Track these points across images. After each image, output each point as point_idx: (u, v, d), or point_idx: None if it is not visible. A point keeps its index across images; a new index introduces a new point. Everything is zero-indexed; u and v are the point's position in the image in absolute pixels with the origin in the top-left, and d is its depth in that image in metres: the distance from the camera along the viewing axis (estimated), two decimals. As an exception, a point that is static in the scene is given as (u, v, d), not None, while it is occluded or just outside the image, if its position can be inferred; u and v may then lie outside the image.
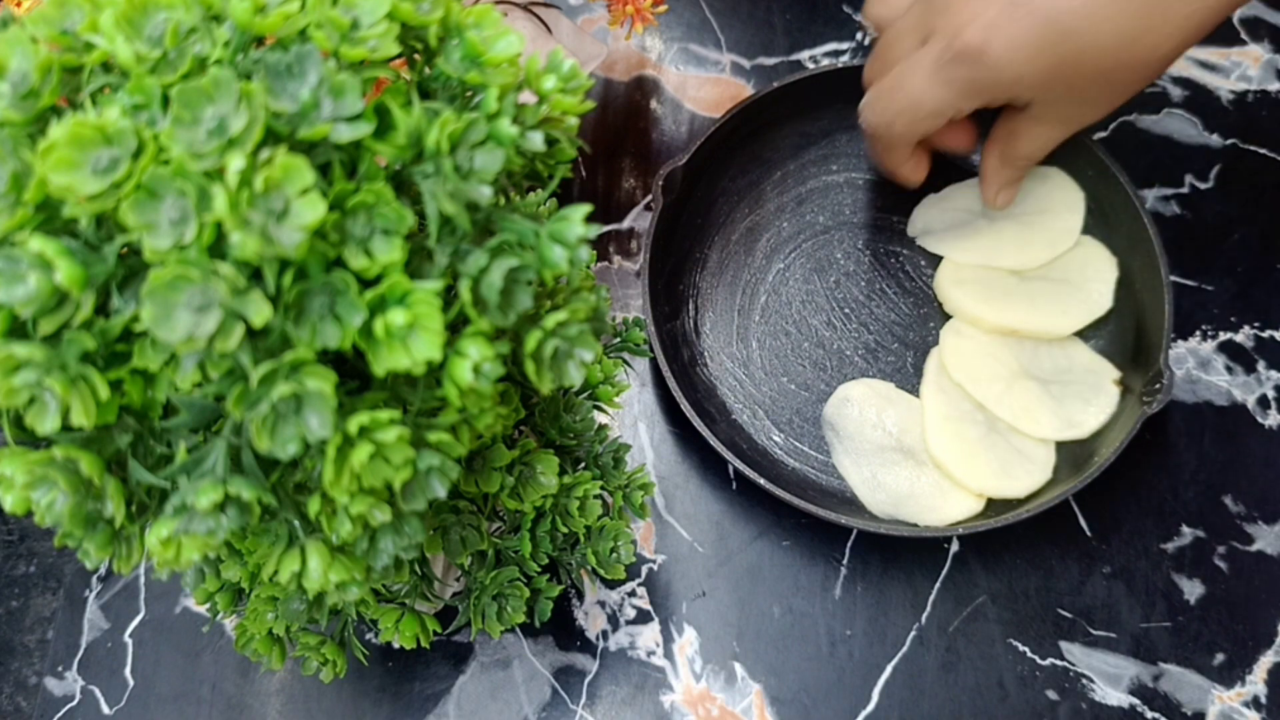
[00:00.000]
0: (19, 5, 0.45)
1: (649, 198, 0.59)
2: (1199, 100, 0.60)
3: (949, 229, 0.55)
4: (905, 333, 0.55)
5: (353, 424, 0.23)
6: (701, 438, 0.48)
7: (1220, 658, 0.48)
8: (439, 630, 0.39)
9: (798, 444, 0.52)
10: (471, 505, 0.36)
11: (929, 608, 0.50)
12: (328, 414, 0.23)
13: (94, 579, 0.52)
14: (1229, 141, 0.59)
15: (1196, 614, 0.49)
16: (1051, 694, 0.48)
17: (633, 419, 0.54)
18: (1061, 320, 0.52)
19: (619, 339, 0.44)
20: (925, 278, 0.56)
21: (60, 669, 0.50)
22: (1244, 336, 0.54)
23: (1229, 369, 0.54)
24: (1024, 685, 0.48)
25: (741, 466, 0.48)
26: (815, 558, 0.51)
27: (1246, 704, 0.47)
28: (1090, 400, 0.50)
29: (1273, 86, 0.60)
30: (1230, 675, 0.48)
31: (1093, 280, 0.53)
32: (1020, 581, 0.50)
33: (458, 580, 0.43)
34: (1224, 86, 0.60)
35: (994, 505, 0.49)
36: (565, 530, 0.38)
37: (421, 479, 0.26)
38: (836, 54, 0.63)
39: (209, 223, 0.21)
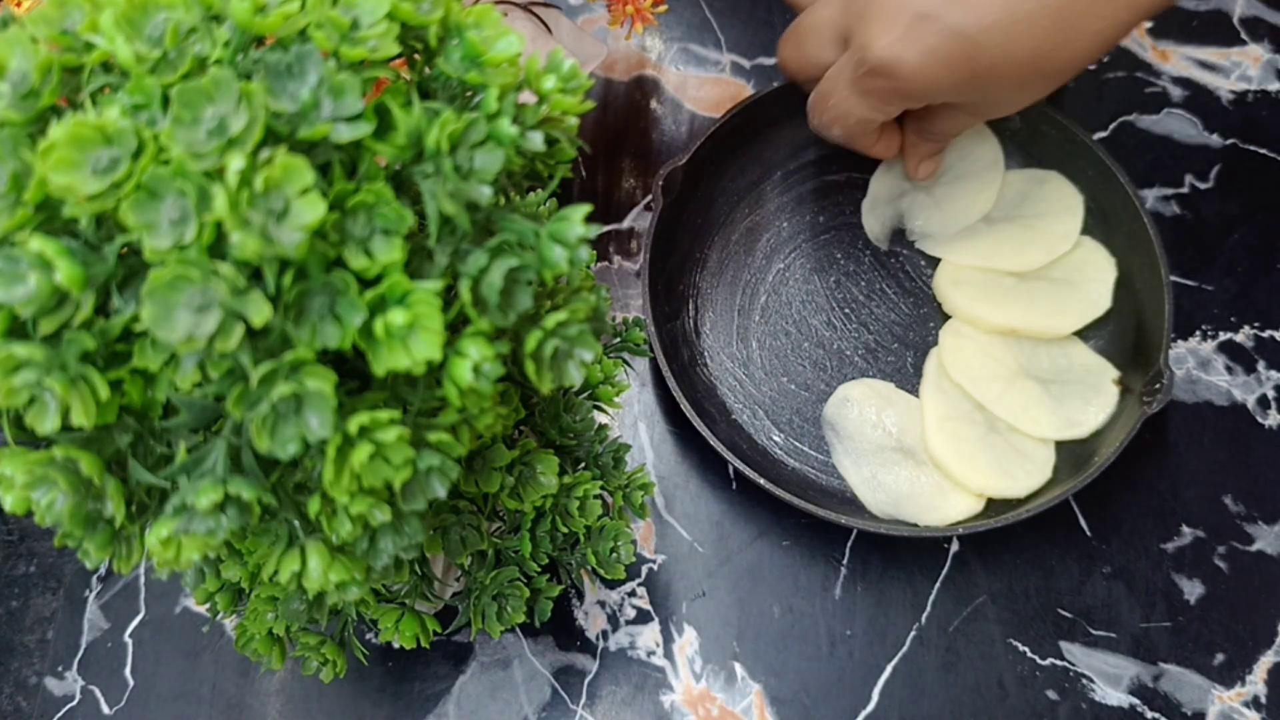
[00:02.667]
0: (19, 5, 0.45)
1: (649, 198, 0.59)
2: (1199, 100, 0.60)
3: (947, 232, 0.55)
4: (905, 333, 0.55)
5: (353, 424, 0.23)
6: (701, 438, 0.48)
7: (1220, 658, 0.48)
8: (439, 630, 0.39)
9: (798, 444, 0.52)
10: (471, 505, 0.36)
11: (929, 608, 0.50)
12: (328, 414, 0.23)
13: (94, 579, 0.52)
14: (1229, 141, 0.59)
15: (1196, 614, 0.49)
16: (1051, 694, 0.48)
17: (633, 419, 0.54)
18: (1061, 320, 0.52)
19: (619, 339, 0.44)
20: (925, 278, 0.56)
21: (60, 669, 0.50)
22: (1244, 336, 0.54)
23: (1229, 369, 0.54)
24: (1024, 685, 0.48)
25: (741, 466, 0.48)
26: (815, 558, 0.51)
27: (1246, 704, 0.47)
28: (1090, 400, 0.50)
29: (1273, 86, 0.60)
30: (1230, 675, 0.48)
31: (1092, 280, 0.53)
32: (1020, 581, 0.50)
33: (458, 580, 0.43)
34: (1224, 86, 0.60)
35: (994, 505, 0.49)
36: (565, 530, 0.38)
37: (421, 479, 0.26)
38: (836, 54, 0.63)
39: (209, 223, 0.21)
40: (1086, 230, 0.54)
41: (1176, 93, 0.60)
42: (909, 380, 0.53)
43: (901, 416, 0.51)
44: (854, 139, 0.51)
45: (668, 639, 0.49)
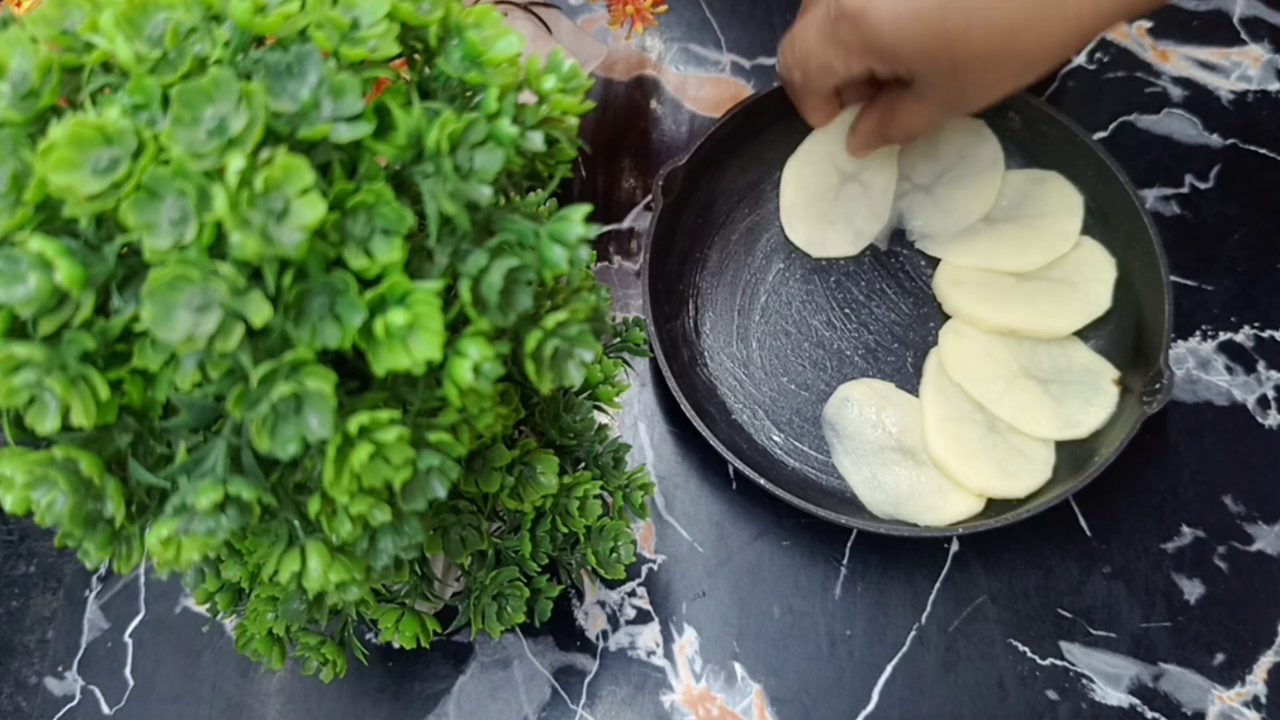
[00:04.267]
0: (19, 5, 0.45)
1: (649, 198, 0.59)
2: (1199, 100, 0.60)
3: (947, 232, 0.55)
4: (905, 333, 0.55)
5: (353, 424, 0.23)
6: (701, 438, 0.48)
7: (1220, 658, 0.48)
8: (439, 630, 0.39)
9: (798, 444, 0.52)
10: (471, 505, 0.36)
11: (929, 608, 0.50)
12: (328, 414, 0.23)
13: (94, 579, 0.52)
14: (1229, 141, 0.59)
15: (1196, 614, 0.49)
16: (1051, 694, 0.48)
17: (633, 419, 0.54)
18: (1061, 320, 0.52)
19: (619, 339, 0.44)
20: (925, 278, 0.56)
21: (60, 669, 0.50)
22: (1244, 336, 0.54)
23: (1229, 369, 0.54)
24: (1024, 685, 0.48)
25: (741, 466, 0.48)
26: (815, 558, 0.51)
27: (1246, 704, 0.47)
28: (1090, 400, 0.50)
29: (1273, 86, 0.60)
30: (1230, 675, 0.48)
31: (1092, 280, 0.53)
32: (1020, 581, 0.50)
33: (458, 580, 0.43)
34: (1224, 86, 0.60)
35: (994, 505, 0.49)
36: (565, 530, 0.38)
37: (421, 479, 0.26)
38: (836, 54, 0.63)
39: (209, 223, 0.21)
40: (1086, 230, 0.54)
41: (1176, 93, 0.60)
42: (909, 380, 0.53)
43: (901, 416, 0.51)
44: (808, 90, 0.50)
45: (668, 639, 0.49)
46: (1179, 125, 0.60)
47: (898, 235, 0.57)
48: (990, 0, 0.40)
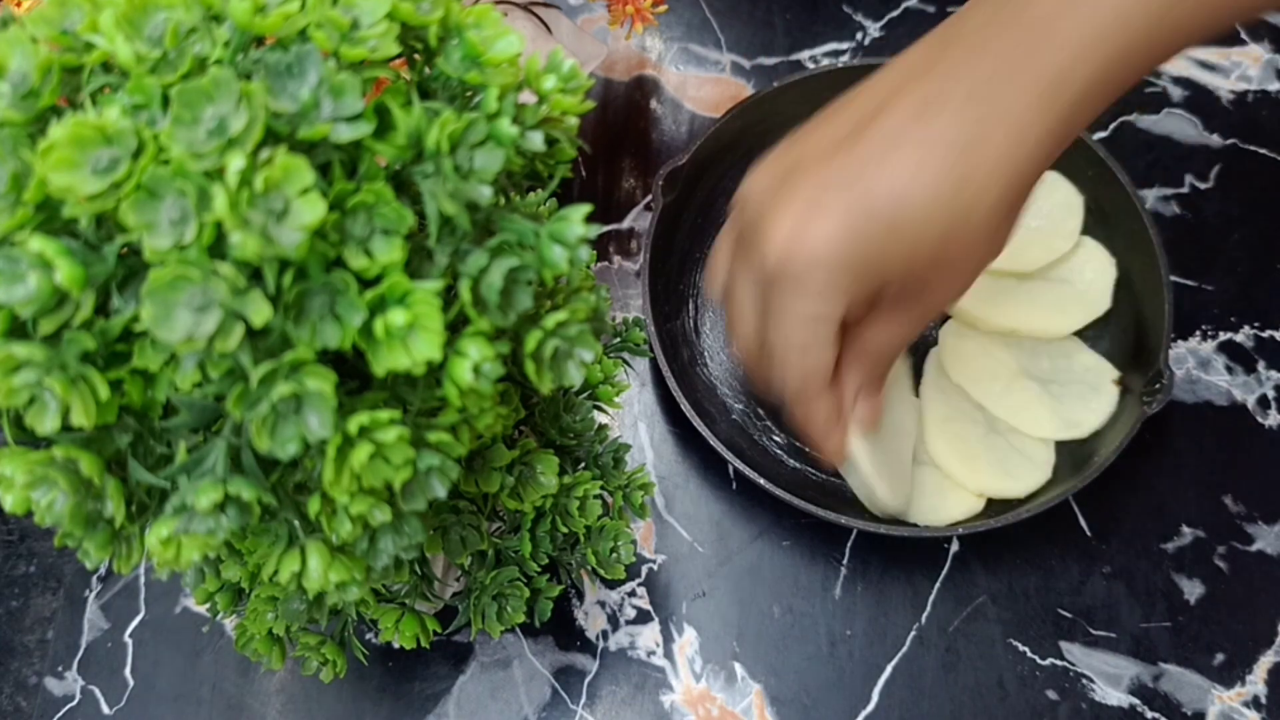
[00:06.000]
0: (19, 5, 0.45)
1: (649, 198, 0.59)
2: (1199, 100, 0.60)
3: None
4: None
5: (353, 424, 0.23)
6: (701, 438, 0.48)
7: (1220, 658, 0.48)
8: (439, 630, 0.39)
9: (798, 444, 0.52)
10: (471, 505, 0.36)
11: (929, 608, 0.50)
12: (328, 414, 0.23)
13: (94, 579, 0.52)
14: (1229, 141, 0.59)
15: (1196, 614, 0.49)
16: (1051, 694, 0.48)
17: (633, 419, 0.54)
18: (1061, 320, 0.52)
19: (619, 339, 0.44)
20: (925, 278, 0.56)
21: (60, 669, 0.50)
22: (1244, 336, 0.54)
23: (1229, 369, 0.54)
24: (1024, 685, 0.48)
25: (741, 466, 0.48)
26: (815, 558, 0.51)
27: (1246, 704, 0.47)
28: (1090, 400, 0.50)
29: (1273, 86, 0.60)
30: (1230, 675, 0.48)
31: (1092, 281, 0.53)
32: (1020, 581, 0.50)
33: (458, 580, 0.43)
34: (1224, 86, 0.60)
35: (994, 505, 0.49)
36: (565, 530, 0.38)
37: (421, 479, 0.26)
38: (836, 54, 0.63)
39: (209, 223, 0.21)
40: (1086, 230, 0.54)
41: (1176, 93, 0.60)
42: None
43: (902, 417, 0.51)
44: (811, 389, 0.41)
45: (668, 639, 0.49)
46: (1179, 125, 0.60)
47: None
48: (902, 188, 0.35)
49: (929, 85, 0.35)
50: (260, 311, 0.22)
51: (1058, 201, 0.55)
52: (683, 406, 0.49)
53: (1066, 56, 0.33)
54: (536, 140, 0.26)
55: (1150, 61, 0.34)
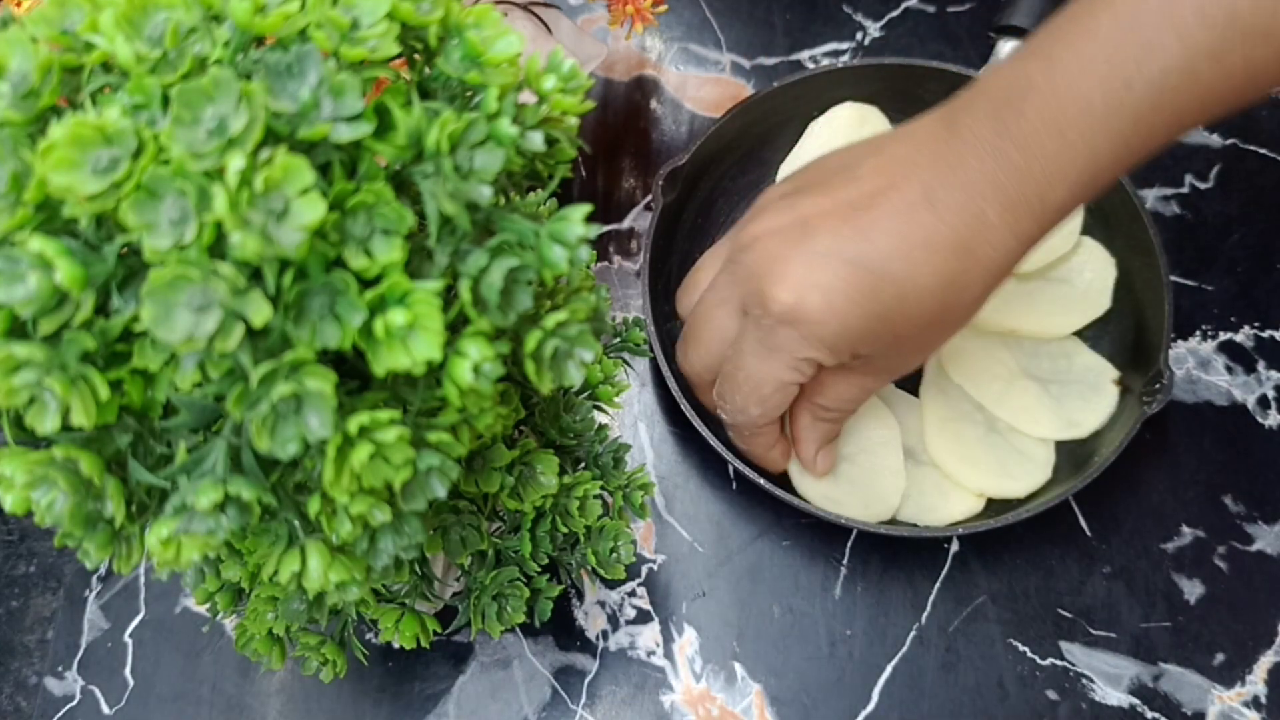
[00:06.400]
0: (19, 5, 0.45)
1: (649, 198, 0.59)
2: (1199, 100, 0.60)
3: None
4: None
5: (353, 424, 0.23)
6: (701, 438, 0.48)
7: (1220, 658, 0.48)
8: (439, 630, 0.39)
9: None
10: (471, 505, 0.36)
11: (929, 608, 0.50)
12: (328, 414, 0.23)
13: (94, 579, 0.52)
14: (1229, 141, 0.59)
15: (1196, 614, 0.49)
16: (1051, 694, 0.48)
17: (633, 419, 0.54)
18: (1061, 320, 0.52)
19: (619, 339, 0.44)
20: (925, 278, 0.55)
21: (60, 669, 0.50)
22: (1244, 336, 0.54)
23: (1229, 369, 0.54)
24: (1024, 685, 0.48)
25: (741, 466, 0.48)
26: (815, 558, 0.51)
27: (1246, 704, 0.47)
28: (1090, 400, 0.50)
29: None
30: (1230, 675, 0.48)
31: (1092, 280, 0.53)
32: (1020, 581, 0.50)
33: (458, 580, 0.43)
34: (1224, 86, 0.60)
35: (994, 505, 0.49)
36: (565, 530, 0.38)
37: (421, 479, 0.26)
38: (836, 54, 0.63)
39: (209, 223, 0.21)
40: (1086, 230, 0.54)
41: (1176, 93, 0.60)
42: (909, 380, 0.53)
43: (901, 417, 0.51)
44: (766, 423, 0.46)
45: (668, 639, 0.49)
46: (1179, 125, 0.59)
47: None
48: (915, 263, 0.39)
49: (934, 175, 0.39)
50: (260, 311, 0.22)
51: (1058, 201, 0.55)
52: (683, 406, 0.49)
53: (1046, 182, 0.38)
54: (536, 140, 0.26)
55: (1124, 171, 0.38)
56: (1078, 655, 0.48)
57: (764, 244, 0.42)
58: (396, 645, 0.40)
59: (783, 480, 0.49)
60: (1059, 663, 0.48)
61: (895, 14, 0.64)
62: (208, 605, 0.39)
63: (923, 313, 0.40)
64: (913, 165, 0.40)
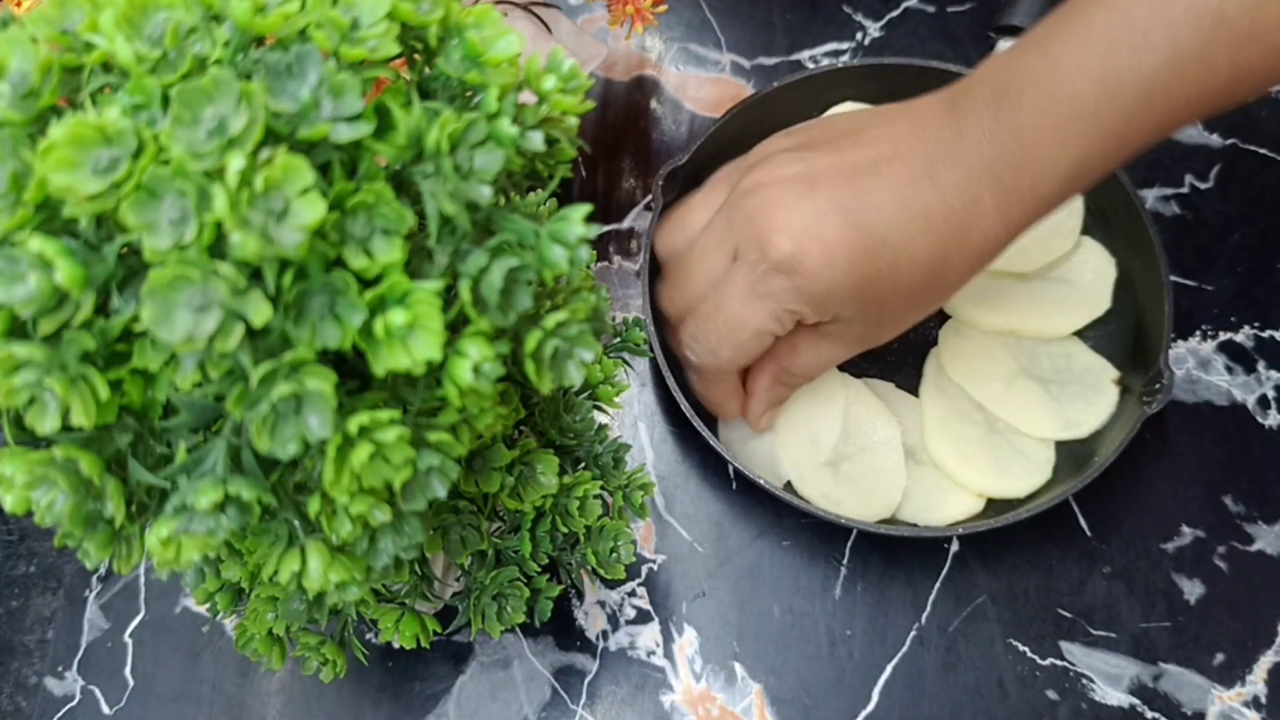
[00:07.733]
0: (19, 5, 0.45)
1: (649, 198, 0.59)
2: (1199, 100, 0.60)
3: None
4: (905, 332, 0.54)
5: (353, 424, 0.23)
6: (701, 438, 0.48)
7: (1220, 658, 0.48)
8: (439, 630, 0.39)
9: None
10: (471, 505, 0.36)
11: (929, 608, 0.50)
12: (328, 414, 0.23)
13: (94, 579, 0.52)
14: (1229, 141, 0.59)
15: (1196, 614, 0.49)
16: (1051, 694, 0.48)
17: (633, 419, 0.54)
18: (1061, 320, 0.52)
19: (619, 339, 0.44)
20: (925, 278, 0.55)
21: (60, 669, 0.50)
22: (1244, 336, 0.54)
23: (1229, 369, 0.54)
24: (1024, 685, 0.48)
25: (741, 466, 0.48)
26: (815, 558, 0.51)
27: (1246, 704, 0.47)
28: (1090, 400, 0.50)
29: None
30: (1230, 675, 0.48)
31: (1092, 280, 0.53)
32: (1020, 581, 0.50)
33: (458, 580, 0.43)
34: (1224, 86, 0.60)
35: (994, 505, 0.49)
36: (565, 530, 0.38)
37: (421, 479, 0.26)
38: (836, 54, 0.63)
39: (209, 223, 0.21)
40: (1086, 230, 0.54)
41: (1176, 93, 0.60)
42: (909, 380, 0.53)
43: (902, 417, 0.51)
44: (733, 368, 0.46)
45: (668, 639, 0.49)
46: (1179, 125, 0.59)
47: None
48: (912, 235, 0.40)
49: (939, 152, 0.40)
50: (260, 311, 0.22)
51: (1058, 201, 0.55)
52: (683, 406, 0.49)
53: (1039, 173, 0.39)
54: (536, 140, 0.26)
55: (1113, 166, 0.39)
56: (1078, 655, 0.48)
57: (768, 191, 0.42)
58: (396, 645, 0.40)
59: (783, 482, 0.49)
60: (1059, 663, 0.48)
61: (895, 14, 0.64)
62: (208, 605, 0.39)
63: (910, 284, 0.41)
64: (919, 140, 0.41)
